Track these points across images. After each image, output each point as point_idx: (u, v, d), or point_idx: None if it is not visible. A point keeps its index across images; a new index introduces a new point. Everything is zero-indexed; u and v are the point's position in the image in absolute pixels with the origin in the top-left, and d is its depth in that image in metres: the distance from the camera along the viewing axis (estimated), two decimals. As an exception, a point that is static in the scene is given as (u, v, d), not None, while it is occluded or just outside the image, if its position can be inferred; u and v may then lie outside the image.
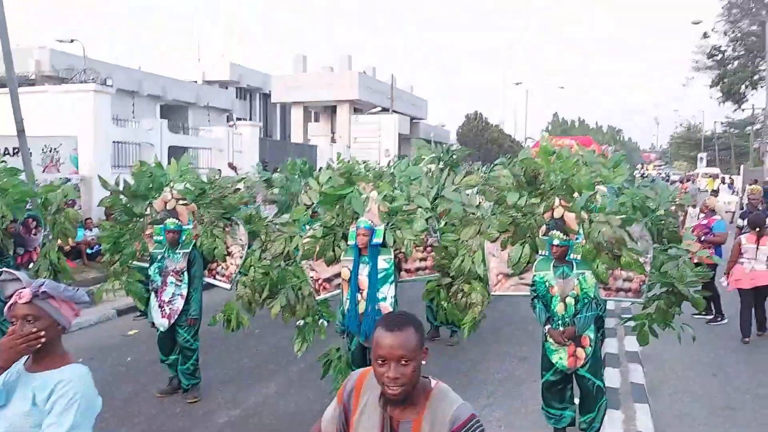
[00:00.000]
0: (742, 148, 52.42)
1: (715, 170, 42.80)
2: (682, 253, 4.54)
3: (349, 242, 5.03)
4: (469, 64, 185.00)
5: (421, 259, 5.11)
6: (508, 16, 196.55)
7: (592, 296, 4.43)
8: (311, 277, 5.40)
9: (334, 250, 5.24)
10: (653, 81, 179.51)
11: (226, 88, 39.42)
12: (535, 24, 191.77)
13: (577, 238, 4.49)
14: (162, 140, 17.48)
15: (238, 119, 31.06)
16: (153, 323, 5.79)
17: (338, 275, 5.17)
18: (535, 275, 4.59)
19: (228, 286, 5.86)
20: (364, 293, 4.88)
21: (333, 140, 36.76)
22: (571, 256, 4.47)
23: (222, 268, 5.88)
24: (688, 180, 24.19)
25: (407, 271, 5.17)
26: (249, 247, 5.82)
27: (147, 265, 5.86)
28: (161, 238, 5.65)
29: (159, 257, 5.67)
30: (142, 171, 5.88)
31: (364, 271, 4.89)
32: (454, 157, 7.20)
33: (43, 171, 12.27)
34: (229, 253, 5.84)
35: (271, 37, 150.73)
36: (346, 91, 36.83)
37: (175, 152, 20.03)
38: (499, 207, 4.92)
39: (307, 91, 37.55)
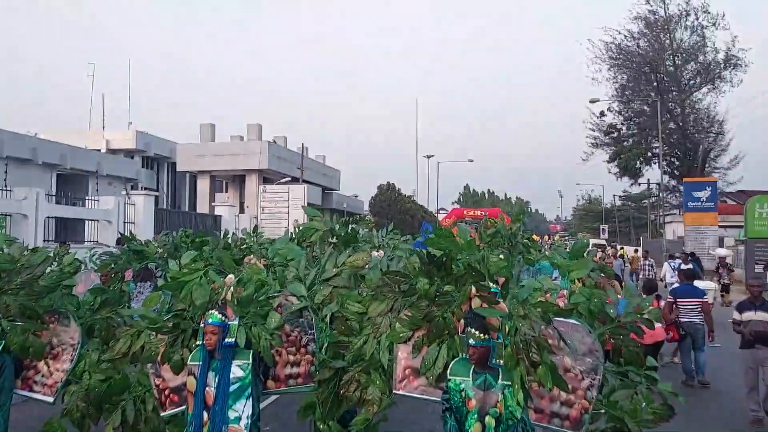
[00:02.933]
0: (640, 220, 55.35)
1: (602, 241, 44.77)
2: (640, 381, 3.70)
3: (198, 341, 3.91)
4: (382, 137, 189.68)
5: (292, 364, 4.04)
6: (418, 88, 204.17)
7: (519, 417, 3.44)
8: (156, 386, 4.22)
9: (183, 352, 4.10)
10: (557, 155, 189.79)
11: (132, 157, 37.57)
12: (444, 98, 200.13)
13: (498, 337, 3.55)
14: (38, 211, 15.74)
15: (145, 189, 29.22)
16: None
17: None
18: (449, 380, 3.60)
19: (51, 399, 4.55)
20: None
21: (242, 210, 35.39)
22: (494, 360, 3.51)
23: (42, 376, 4.57)
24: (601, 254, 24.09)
25: (275, 379, 4.08)
26: (82, 347, 4.58)
27: None
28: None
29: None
30: None
31: (213, 381, 3.76)
32: (356, 229, 6.23)
33: None
34: (53, 356, 4.56)
35: (180, 107, 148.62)
36: (255, 160, 35.85)
37: (54, 224, 18.20)
38: (408, 299, 3.99)
39: (215, 161, 36.30)
